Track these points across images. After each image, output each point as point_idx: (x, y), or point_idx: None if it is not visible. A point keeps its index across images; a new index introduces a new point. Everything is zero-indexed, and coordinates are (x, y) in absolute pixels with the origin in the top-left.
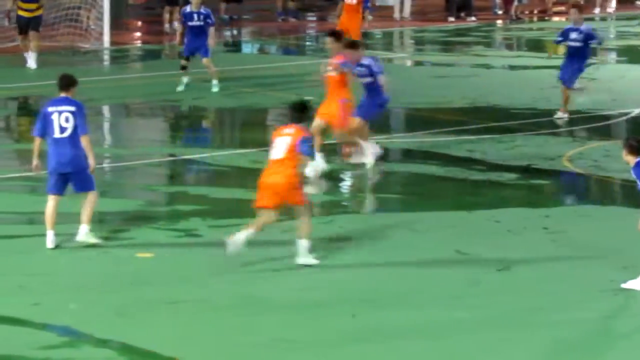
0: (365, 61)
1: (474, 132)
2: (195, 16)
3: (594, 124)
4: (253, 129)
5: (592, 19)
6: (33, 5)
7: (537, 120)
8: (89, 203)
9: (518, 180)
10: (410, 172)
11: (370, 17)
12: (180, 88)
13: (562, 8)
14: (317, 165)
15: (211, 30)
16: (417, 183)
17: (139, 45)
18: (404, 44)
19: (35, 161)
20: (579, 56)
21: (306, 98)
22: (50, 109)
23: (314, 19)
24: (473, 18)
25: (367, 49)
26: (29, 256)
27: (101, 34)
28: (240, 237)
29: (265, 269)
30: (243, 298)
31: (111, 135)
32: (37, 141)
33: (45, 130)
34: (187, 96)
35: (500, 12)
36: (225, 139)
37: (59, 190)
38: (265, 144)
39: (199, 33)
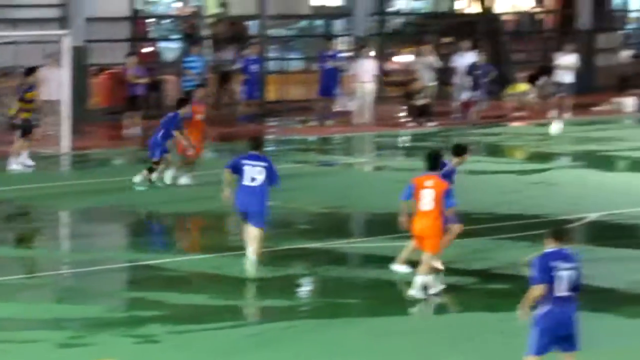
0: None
1: None
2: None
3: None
4: (214, 235)
5: (548, 124)
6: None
7: (496, 225)
8: None
9: (476, 284)
10: (369, 277)
11: None
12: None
13: (521, 113)
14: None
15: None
16: (377, 288)
17: (99, 150)
18: (363, 149)
19: None
20: None
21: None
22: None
23: (275, 123)
24: (433, 123)
25: (327, 154)
26: None
27: (60, 138)
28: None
29: None
30: None
31: (71, 241)
32: None
33: None
34: (147, 201)
35: (459, 117)
36: (185, 245)
37: None
38: (226, 249)
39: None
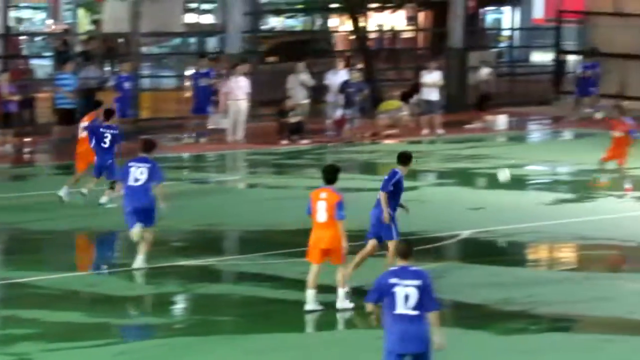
0: None
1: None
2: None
3: (424, 246)
4: (88, 252)
5: (420, 142)
6: None
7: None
8: None
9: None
10: (242, 294)
11: None
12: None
13: (394, 131)
14: None
15: None
16: (250, 305)
17: None
18: (236, 167)
19: None
20: None
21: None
22: None
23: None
24: (306, 141)
25: (200, 171)
26: None
27: None
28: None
29: None
30: None
31: None
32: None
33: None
34: (19, 219)
35: (332, 135)
36: (59, 262)
37: None
38: (99, 267)
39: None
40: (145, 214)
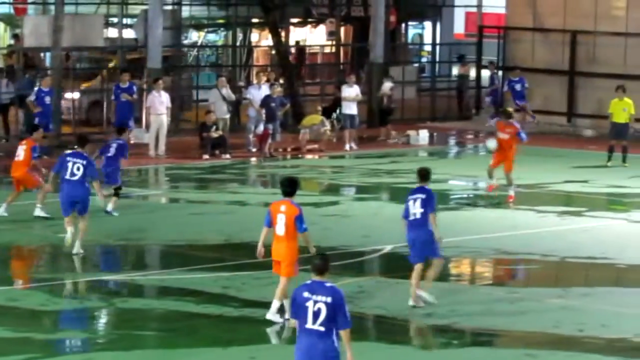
0: None
1: (229, 268)
2: None
3: (347, 261)
4: (7, 266)
5: (342, 157)
6: None
7: None
8: None
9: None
10: (166, 308)
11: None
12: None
13: (316, 146)
14: None
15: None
16: (173, 320)
17: None
18: (158, 181)
19: None
20: None
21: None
22: None
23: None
24: (228, 155)
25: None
26: None
27: None
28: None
29: None
30: None
31: None
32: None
33: None
34: None
35: (254, 149)
36: None
37: None
38: (22, 281)
39: None
40: (82, 205)
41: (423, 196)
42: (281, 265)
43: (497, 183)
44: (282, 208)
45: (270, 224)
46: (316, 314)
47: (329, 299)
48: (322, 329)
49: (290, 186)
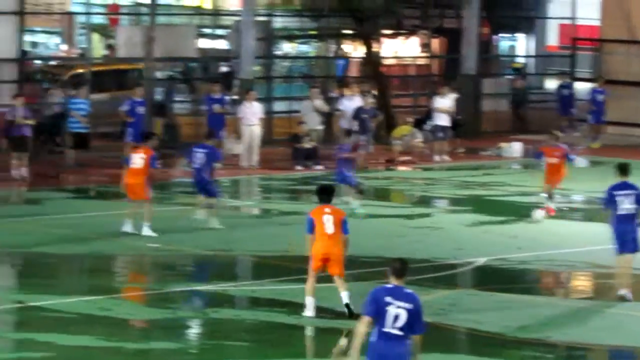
0: None
1: (320, 280)
2: None
3: (439, 273)
4: (101, 276)
5: (434, 168)
6: None
7: (383, 269)
8: None
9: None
10: (256, 319)
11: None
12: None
13: (409, 157)
14: None
15: None
16: (264, 331)
17: None
18: (250, 192)
19: None
20: None
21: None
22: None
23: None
24: (320, 167)
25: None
26: None
27: None
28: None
29: None
30: None
31: None
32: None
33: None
34: (35, 242)
35: None
36: (73, 286)
37: None
38: (113, 291)
39: None
40: (207, 190)
41: (636, 192)
42: (332, 264)
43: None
44: (327, 210)
45: (312, 231)
46: (395, 319)
47: (409, 306)
48: (400, 332)
49: (330, 194)
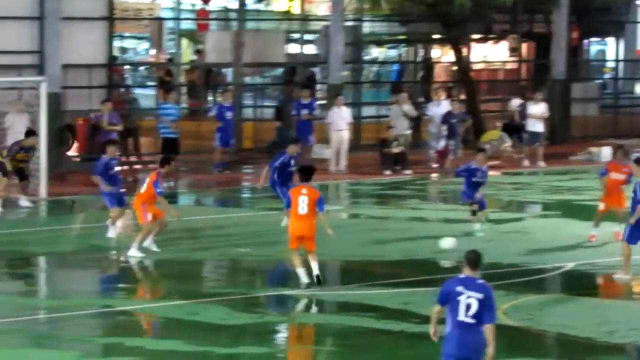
0: None
1: (409, 284)
2: None
3: (528, 278)
4: (188, 281)
5: (520, 173)
6: None
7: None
8: None
9: None
10: (345, 324)
11: None
12: None
13: (497, 162)
14: None
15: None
16: (352, 336)
17: (76, 196)
18: (339, 197)
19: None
20: None
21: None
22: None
23: (250, 171)
24: (409, 171)
25: None
26: None
27: (38, 184)
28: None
29: None
30: None
31: (47, 287)
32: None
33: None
34: (123, 246)
35: (435, 165)
36: (160, 291)
37: None
38: (201, 295)
39: None
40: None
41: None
42: (306, 241)
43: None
44: (304, 191)
45: (290, 205)
46: (468, 308)
47: (480, 296)
48: (472, 321)
49: (309, 173)
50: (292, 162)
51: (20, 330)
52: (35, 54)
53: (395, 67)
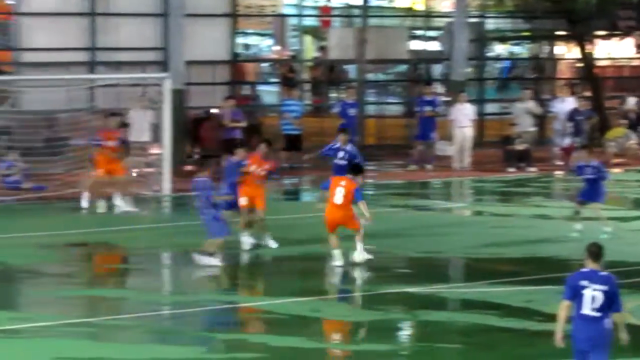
0: None
1: (533, 282)
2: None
3: None
4: (312, 277)
5: None
6: None
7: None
8: None
9: None
10: (468, 322)
11: None
12: None
13: (623, 159)
14: None
15: None
16: (474, 333)
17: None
18: (462, 194)
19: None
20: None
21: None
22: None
23: (373, 168)
24: (533, 169)
25: (425, 198)
26: None
27: (161, 180)
28: None
29: None
30: None
31: (171, 282)
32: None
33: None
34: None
35: (560, 163)
36: (284, 287)
37: None
38: (324, 292)
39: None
40: None
41: None
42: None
43: None
44: (342, 183)
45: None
46: (593, 301)
47: (605, 287)
48: (597, 314)
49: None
50: (341, 154)
51: (145, 325)
52: (159, 51)
53: (507, 63)
